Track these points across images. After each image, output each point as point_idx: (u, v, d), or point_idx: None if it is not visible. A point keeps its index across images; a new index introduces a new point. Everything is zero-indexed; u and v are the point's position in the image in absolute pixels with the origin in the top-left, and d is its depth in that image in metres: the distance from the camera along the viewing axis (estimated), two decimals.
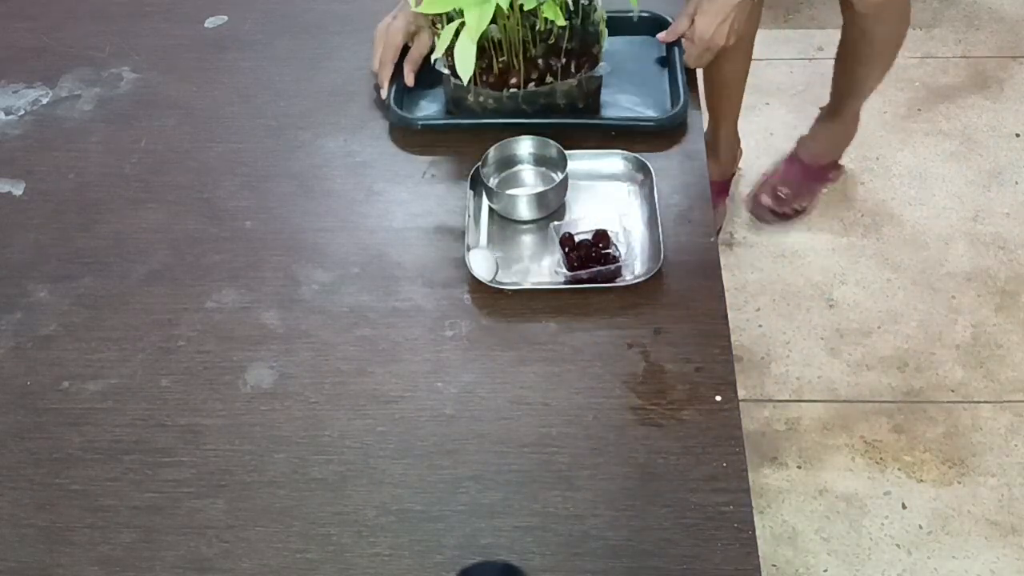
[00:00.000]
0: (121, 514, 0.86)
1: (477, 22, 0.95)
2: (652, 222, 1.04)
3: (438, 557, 0.81)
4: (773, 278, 1.81)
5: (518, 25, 1.09)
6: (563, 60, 1.13)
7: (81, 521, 0.85)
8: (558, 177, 1.06)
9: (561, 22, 1.08)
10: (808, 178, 1.89)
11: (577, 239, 1.02)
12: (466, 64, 0.99)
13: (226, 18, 1.38)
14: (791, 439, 1.58)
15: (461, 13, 0.99)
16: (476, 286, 1.00)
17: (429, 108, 1.20)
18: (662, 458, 0.87)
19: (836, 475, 1.54)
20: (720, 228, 1.91)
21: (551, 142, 1.09)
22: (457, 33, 1.00)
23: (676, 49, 1.23)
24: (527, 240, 1.06)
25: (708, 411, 0.90)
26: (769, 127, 2.09)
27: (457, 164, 1.14)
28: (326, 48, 1.32)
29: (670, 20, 1.26)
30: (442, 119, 1.18)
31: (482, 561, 0.80)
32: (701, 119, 1.17)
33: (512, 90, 1.13)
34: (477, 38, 0.95)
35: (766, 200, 1.90)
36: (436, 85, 1.19)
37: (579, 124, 1.15)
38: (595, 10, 1.15)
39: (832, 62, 1.73)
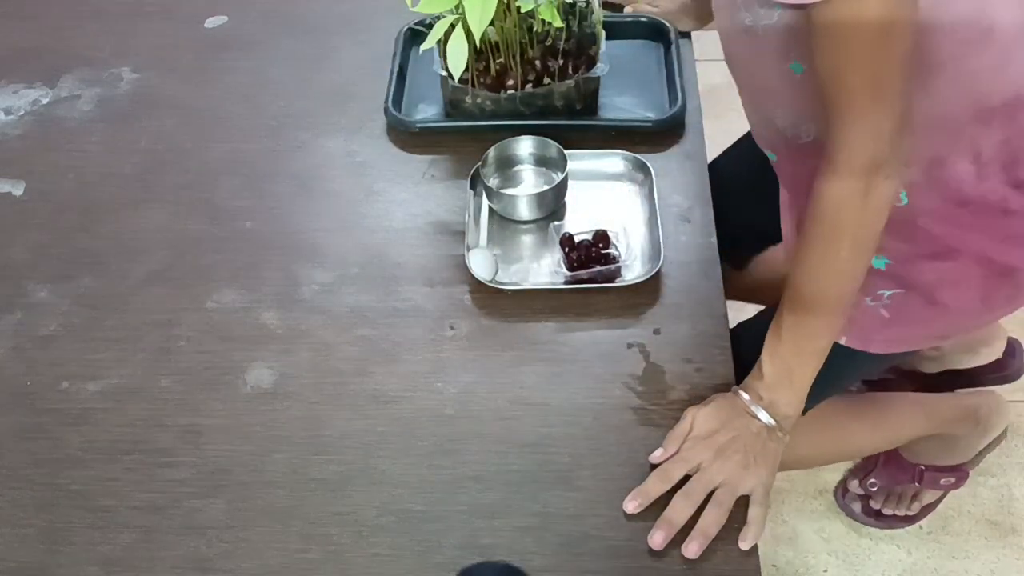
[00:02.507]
0: (121, 514, 0.86)
1: (479, 19, 0.95)
2: (652, 222, 1.04)
3: (438, 557, 0.81)
4: None
5: (515, 27, 1.09)
6: (560, 61, 1.13)
7: (81, 521, 0.85)
8: (558, 177, 1.06)
9: (558, 23, 1.08)
10: (910, 478, 1.43)
11: (577, 239, 1.02)
12: (458, 60, 0.99)
13: (226, 18, 1.38)
14: None
15: (457, 10, 0.99)
16: (476, 286, 1.00)
17: (428, 110, 1.20)
18: None
19: (836, 475, 1.53)
20: None
21: (551, 142, 1.09)
22: (451, 30, 1.00)
23: (674, 49, 1.23)
24: (527, 240, 1.06)
25: None
26: None
27: (457, 164, 1.14)
28: (326, 48, 1.32)
29: (667, 24, 1.26)
30: (440, 122, 1.18)
31: (482, 561, 0.80)
32: (700, 119, 1.17)
33: (510, 92, 1.13)
34: (480, 35, 0.95)
35: (855, 487, 1.48)
36: (434, 86, 1.19)
37: (577, 125, 1.15)
38: (592, 12, 1.15)
39: None
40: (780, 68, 0.85)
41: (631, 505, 0.82)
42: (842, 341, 0.97)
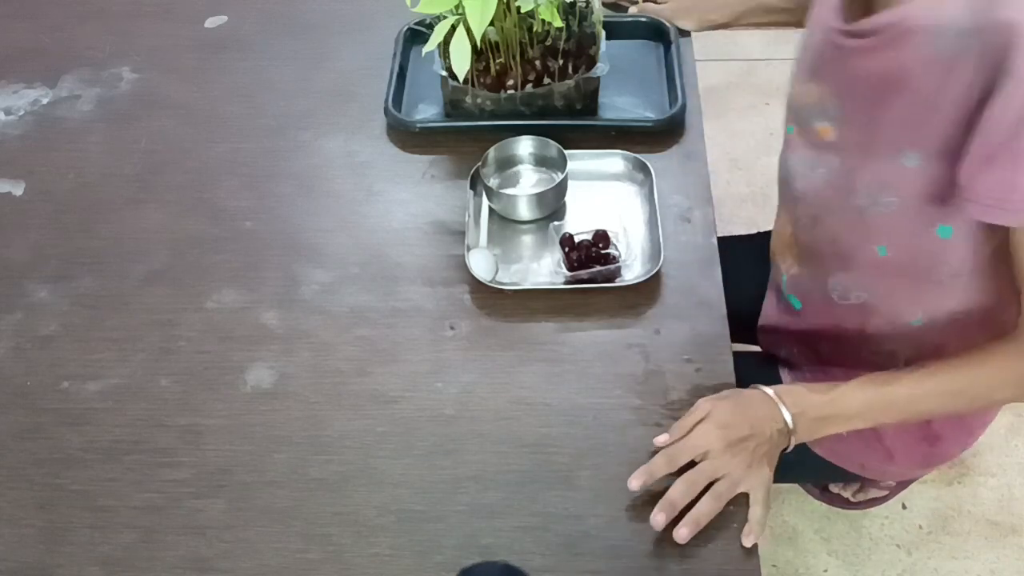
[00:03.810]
0: (121, 514, 0.86)
1: (479, 19, 0.95)
2: (652, 222, 1.04)
3: (438, 557, 0.81)
4: None
5: (515, 27, 1.09)
6: (560, 61, 1.13)
7: (81, 521, 0.85)
8: (558, 177, 1.06)
9: (558, 23, 1.08)
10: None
11: (577, 239, 1.02)
12: (462, 60, 0.99)
13: (226, 18, 1.38)
14: None
15: (458, 10, 0.99)
16: (476, 286, 1.00)
17: (428, 110, 1.20)
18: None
19: None
20: None
21: (551, 142, 1.09)
22: (452, 32, 1.00)
23: (674, 49, 1.23)
24: (527, 240, 1.06)
25: None
26: (769, 127, 2.09)
27: (457, 164, 1.14)
28: (326, 48, 1.32)
29: (667, 24, 1.26)
30: (440, 122, 1.18)
31: (482, 561, 0.80)
32: (700, 119, 1.17)
33: (510, 92, 1.13)
34: (480, 35, 0.95)
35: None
36: (434, 86, 1.19)
37: (577, 125, 1.15)
38: (592, 12, 1.15)
39: None
40: (867, 247, 0.90)
41: (635, 483, 0.82)
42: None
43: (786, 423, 0.86)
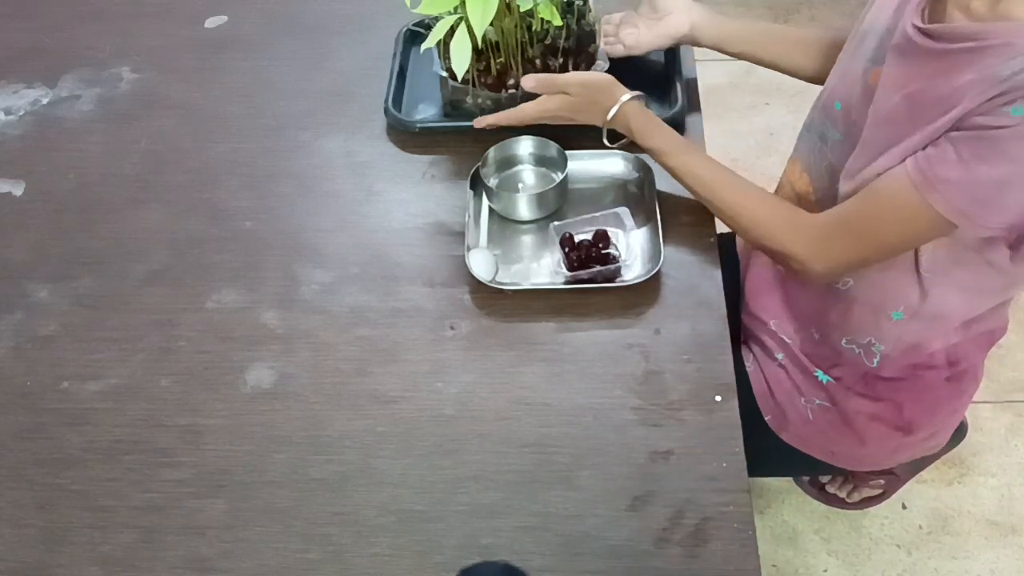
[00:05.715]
0: (121, 514, 0.86)
1: (480, 19, 0.95)
2: (652, 222, 1.04)
3: (438, 557, 0.81)
4: None
5: (515, 26, 1.09)
6: (560, 60, 1.13)
7: (81, 521, 0.85)
8: (558, 177, 1.06)
9: (557, 22, 1.08)
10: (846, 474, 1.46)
11: (577, 239, 1.02)
12: (463, 60, 0.98)
13: (226, 18, 1.38)
14: None
15: (457, 11, 0.99)
16: (476, 286, 1.00)
17: (428, 110, 1.20)
18: (662, 458, 0.87)
19: None
20: None
21: (551, 142, 1.09)
22: (452, 32, 1.00)
23: (676, 50, 1.22)
24: (527, 240, 1.06)
25: (708, 411, 0.90)
26: (769, 127, 2.09)
27: (457, 164, 1.14)
28: (326, 48, 1.32)
29: None
30: (440, 122, 1.18)
31: (482, 561, 0.80)
32: (700, 119, 1.17)
33: (510, 92, 1.13)
34: (481, 35, 0.95)
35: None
36: (434, 86, 1.19)
37: (577, 125, 1.14)
38: (590, 10, 1.15)
39: None
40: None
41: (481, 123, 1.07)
42: (767, 419, 1.11)
43: (608, 118, 1.02)
